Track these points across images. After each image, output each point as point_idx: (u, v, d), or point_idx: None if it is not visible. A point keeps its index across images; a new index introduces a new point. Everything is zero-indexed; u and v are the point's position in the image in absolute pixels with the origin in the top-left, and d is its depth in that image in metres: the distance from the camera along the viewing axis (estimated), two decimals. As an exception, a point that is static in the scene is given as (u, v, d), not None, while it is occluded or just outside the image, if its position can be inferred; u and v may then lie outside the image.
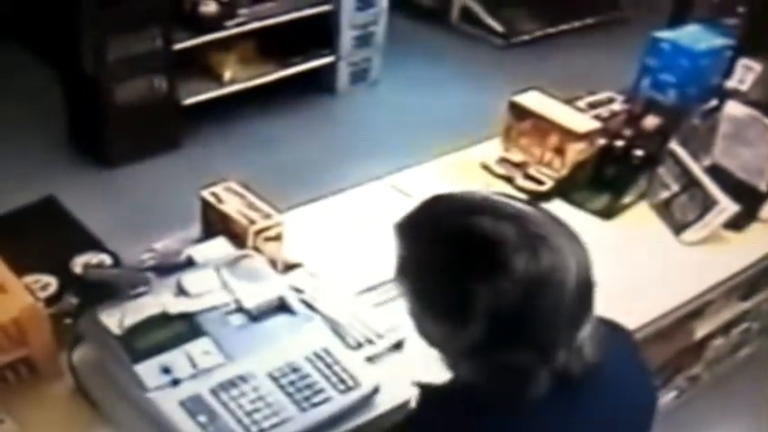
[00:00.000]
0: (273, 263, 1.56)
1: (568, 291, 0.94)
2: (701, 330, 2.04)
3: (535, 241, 0.93)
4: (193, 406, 1.28)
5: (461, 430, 1.01)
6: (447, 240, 0.97)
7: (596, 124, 2.03)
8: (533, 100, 2.07)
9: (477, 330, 0.95)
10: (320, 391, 1.34)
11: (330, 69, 4.08)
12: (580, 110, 2.12)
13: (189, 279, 1.45)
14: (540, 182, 1.98)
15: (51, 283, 1.48)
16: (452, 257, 0.96)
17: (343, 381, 1.36)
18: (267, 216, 1.61)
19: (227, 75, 3.70)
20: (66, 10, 3.30)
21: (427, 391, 1.07)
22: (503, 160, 2.05)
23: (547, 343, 0.96)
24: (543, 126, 2.01)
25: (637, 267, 1.77)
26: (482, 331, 0.95)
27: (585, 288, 0.97)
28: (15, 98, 3.70)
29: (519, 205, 0.99)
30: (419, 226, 1.02)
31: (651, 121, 2.12)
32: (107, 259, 1.54)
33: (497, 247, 0.93)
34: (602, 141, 2.01)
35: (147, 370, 1.31)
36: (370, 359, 1.46)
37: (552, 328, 0.96)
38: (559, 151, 1.99)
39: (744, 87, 2.25)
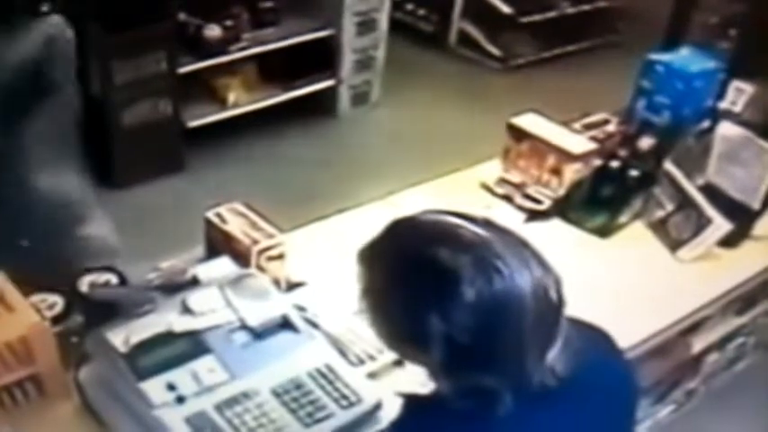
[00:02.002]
0: (276, 282, 1.58)
1: (527, 315, 0.94)
2: (698, 345, 2.05)
3: (489, 268, 0.93)
4: (198, 422, 1.29)
5: None
6: (402, 269, 0.98)
7: (592, 145, 2.06)
8: (531, 122, 2.10)
9: (436, 355, 0.96)
10: (323, 407, 1.35)
11: (331, 92, 4.12)
12: (576, 131, 2.16)
13: (194, 298, 1.47)
14: (538, 201, 2.01)
15: (58, 302, 1.49)
16: (407, 286, 0.97)
17: (345, 396, 1.37)
18: (270, 236, 1.63)
19: (231, 98, 3.74)
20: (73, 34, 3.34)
21: (408, 400, 1.09)
22: (502, 180, 2.08)
23: (510, 366, 0.97)
24: (541, 147, 2.04)
25: (634, 284, 1.79)
26: (441, 356, 0.96)
27: (549, 310, 0.97)
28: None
29: (477, 230, 0.98)
30: (378, 254, 1.03)
31: (646, 142, 2.14)
32: (113, 278, 1.55)
33: (449, 275, 0.93)
34: (598, 162, 2.04)
35: (153, 387, 1.32)
36: (371, 375, 1.48)
37: (513, 353, 0.96)
38: (557, 172, 2.02)
39: (736, 108, 2.28)
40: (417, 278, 0.96)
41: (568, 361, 1.00)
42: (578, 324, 1.07)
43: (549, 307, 0.97)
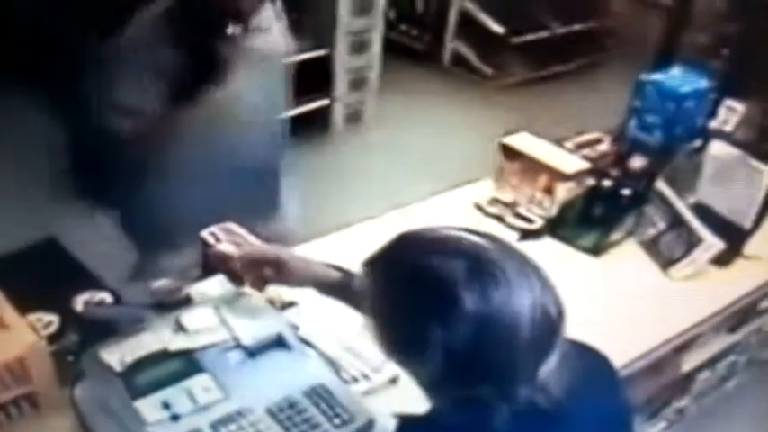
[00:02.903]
0: (271, 300, 1.59)
1: (523, 328, 0.95)
2: (690, 363, 2.06)
3: (487, 279, 0.95)
4: (193, 441, 1.29)
5: None
6: (404, 279, 1.00)
7: (584, 164, 2.08)
8: (523, 141, 2.12)
9: (434, 365, 0.98)
10: (317, 425, 1.35)
11: (325, 111, 4.14)
12: (568, 150, 2.17)
13: (188, 316, 1.48)
14: (530, 221, 2.02)
15: (53, 321, 1.50)
16: (408, 296, 0.99)
17: (338, 415, 1.37)
18: (264, 255, 1.64)
19: (225, 117, 3.76)
20: (69, 55, 3.36)
21: (403, 420, 1.09)
22: (494, 200, 2.09)
23: (504, 379, 0.98)
24: (533, 167, 2.06)
25: (626, 302, 1.80)
26: (438, 366, 0.98)
27: (546, 324, 0.97)
28: (19, 141, 3.74)
29: (477, 242, 0.99)
30: (380, 263, 1.05)
31: (638, 161, 2.16)
32: (108, 297, 1.56)
33: (449, 286, 0.95)
34: (590, 181, 2.06)
35: (148, 406, 1.33)
36: (366, 393, 1.48)
37: (508, 365, 0.97)
38: (549, 191, 2.04)
39: (728, 128, 2.31)
40: (416, 286, 0.98)
41: (562, 380, 1.01)
42: (577, 345, 1.07)
43: (547, 323, 0.97)
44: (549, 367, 0.99)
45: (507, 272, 0.96)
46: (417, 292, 0.98)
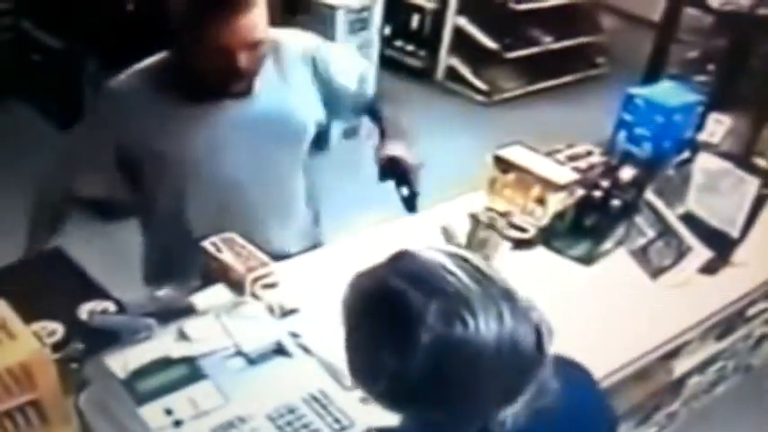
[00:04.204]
0: (271, 309, 1.62)
1: (483, 366, 0.93)
2: (679, 369, 2.07)
3: (454, 318, 0.92)
4: (195, 446, 1.32)
5: None
6: (373, 298, 0.99)
7: (575, 176, 2.11)
8: (516, 153, 2.15)
9: (381, 388, 0.99)
10: (317, 431, 1.38)
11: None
12: (560, 162, 2.20)
13: (190, 325, 1.51)
14: (523, 230, 2.05)
15: (58, 329, 1.51)
16: (372, 315, 0.99)
17: (338, 421, 1.40)
18: (264, 264, 1.67)
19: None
20: (68, 69, 3.39)
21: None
22: (489, 210, 2.12)
23: (458, 410, 0.97)
24: (526, 178, 2.09)
25: (616, 310, 1.83)
26: (386, 390, 0.99)
27: (515, 363, 0.95)
28: (22, 153, 3.75)
29: (461, 279, 0.95)
30: (361, 280, 1.03)
31: (627, 173, 2.18)
32: (111, 306, 1.57)
33: (412, 316, 0.93)
34: (581, 192, 2.08)
35: (151, 412, 1.36)
36: (364, 400, 1.50)
37: (462, 399, 0.96)
38: (541, 201, 2.06)
39: (715, 140, 2.35)
40: (382, 310, 0.97)
41: (526, 417, 0.98)
42: (563, 365, 1.05)
43: (517, 360, 0.95)
44: (512, 408, 0.97)
45: (479, 312, 0.93)
46: (382, 316, 0.97)
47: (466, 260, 0.98)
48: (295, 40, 1.87)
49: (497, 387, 0.96)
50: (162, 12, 1.66)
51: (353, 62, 2.02)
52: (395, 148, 1.85)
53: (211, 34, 1.57)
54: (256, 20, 1.60)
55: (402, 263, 0.99)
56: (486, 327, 0.92)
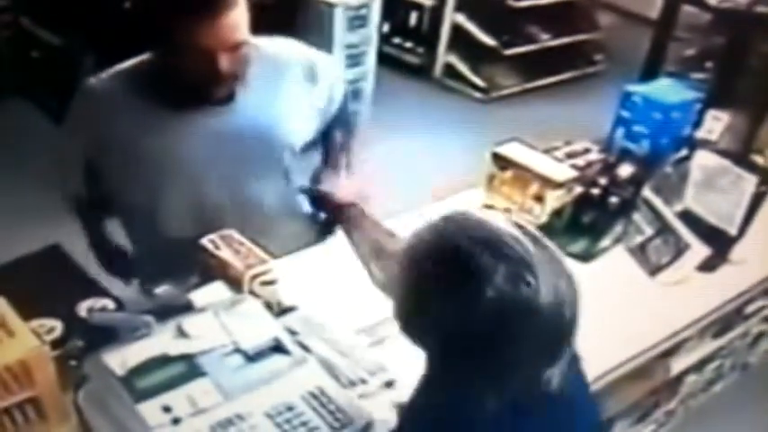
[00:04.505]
0: (269, 306, 1.62)
1: (537, 326, 0.99)
2: (677, 367, 2.08)
3: (520, 281, 0.98)
4: (194, 443, 1.31)
5: None
6: (435, 262, 1.03)
7: (573, 173, 2.11)
8: (514, 151, 2.15)
9: (437, 340, 1.04)
10: (315, 428, 1.38)
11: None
12: (558, 160, 2.21)
13: (189, 322, 1.51)
14: (521, 227, 2.05)
15: (56, 326, 1.51)
16: (438, 274, 1.02)
17: (337, 419, 1.40)
18: (263, 261, 1.67)
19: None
20: (67, 66, 3.39)
21: (402, 409, 1.16)
22: (486, 207, 2.12)
23: (506, 370, 1.02)
24: (524, 175, 2.09)
25: (614, 308, 1.82)
26: (443, 342, 1.04)
27: (562, 326, 1.02)
28: (23, 151, 3.75)
29: (524, 245, 1.01)
30: (417, 245, 1.07)
31: (626, 170, 2.19)
32: (110, 304, 1.58)
33: (481, 276, 0.98)
34: (579, 189, 2.09)
35: (149, 409, 1.35)
36: (362, 397, 1.50)
37: (518, 357, 1.01)
38: (539, 199, 2.06)
39: (713, 137, 2.35)
40: (450, 268, 1.01)
41: (560, 382, 1.04)
42: None
43: (563, 322, 1.02)
44: (557, 368, 1.03)
45: (539, 279, 0.98)
46: (448, 275, 1.01)
47: (521, 226, 1.05)
48: (295, 51, 1.86)
49: (545, 346, 1.02)
50: (146, 14, 1.66)
51: (341, 79, 2.01)
52: (335, 184, 1.81)
53: (191, 35, 1.55)
54: (237, 21, 1.58)
55: (469, 224, 1.05)
56: (545, 289, 0.98)
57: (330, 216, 1.82)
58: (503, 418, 1.04)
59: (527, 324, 0.99)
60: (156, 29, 1.61)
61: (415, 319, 1.08)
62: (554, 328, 1.01)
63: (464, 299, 0.99)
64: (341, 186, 1.78)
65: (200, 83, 1.64)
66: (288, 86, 1.81)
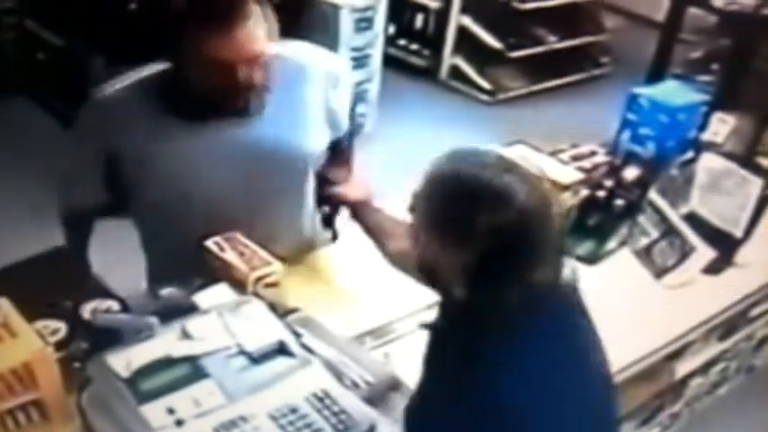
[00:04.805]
0: (273, 308, 1.61)
1: (552, 225, 1.20)
2: (682, 370, 2.08)
3: (531, 189, 1.18)
4: (197, 445, 1.31)
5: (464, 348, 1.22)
6: (463, 185, 1.21)
7: (579, 176, 2.12)
8: (520, 153, 2.15)
9: (474, 252, 1.18)
10: (319, 430, 1.37)
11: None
12: (564, 162, 2.21)
13: (193, 324, 1.50)
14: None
15: (60, 328, 1.51)
16: (465, 197, 1.20)
17: (341, 420, 1.39)
18: (267, 263, 1.67)
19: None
20: (72, 68, 3.40)
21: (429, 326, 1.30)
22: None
23: (527, 264, 1.19)
24: (529, 177, 2.09)
25: (620, 310, 1.80)
26: (478, 253, 1.18)
27: (555, 232, 1.22)
28: (27, 152, 3.77)
29: (520, 162, 1.25)
30: (442, 175, 1.26)
31: (631, 173, 2.19)
32: (114, 305, 1.58)
33: (501, 192, 1.17)
34: (585, 192, 2.09)
35: (153, 411, 1.35)
36: (367, 399, 1.50)
37: (540, 251, 1.19)
38: (545, 201, 2.07)
39: (719, 139, 2.35)
40: (474, 191, 1.19)
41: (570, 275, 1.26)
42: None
43: (561, 227, 1.25)
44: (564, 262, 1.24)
45: (551, 198, 1.22)
46: (473, 196, 1.19)
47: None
48: (316, 57, 1.84)
49: (555, 246, 1.23)
50: (161, 25, 1.65)
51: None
52: (343, 182, 1.88)
53: (209, 47, 1.55)
54: (253, 32, 1.57)
55: (489, 158, 1.24)
56: (554, 203, 1.23)
57: (334, 210, 1.93)
58: (516, 318, 1.19)
59: (546, 228, 1.19)
60: (172, 41, 1.60)
61: (443, 257, 1.22)
62: (548, 235, 1.20)
63: (492, 215, 1.16)
64: (349, 185, 1.86)
65: (220, 95, 1.63)
66: (310, 94, 1.79)
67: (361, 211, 1.84)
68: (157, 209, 1.77)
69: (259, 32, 1.58)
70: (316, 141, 1.82)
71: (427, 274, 1.31)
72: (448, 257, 1.23)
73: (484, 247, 1.18)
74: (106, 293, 1.60)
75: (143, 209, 1.81)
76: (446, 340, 1.28)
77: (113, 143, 1.71)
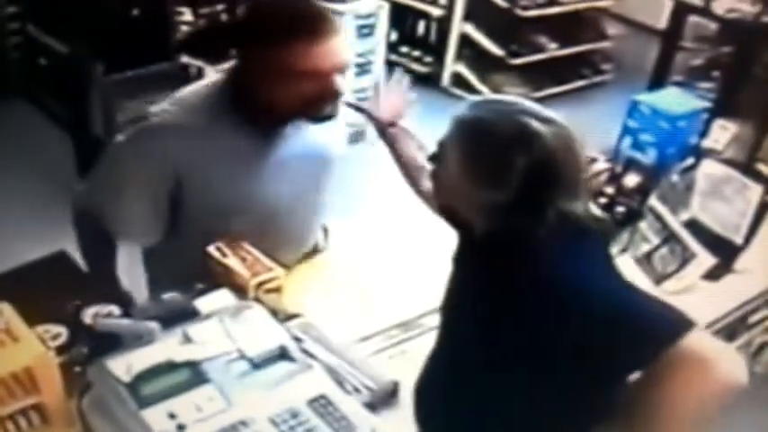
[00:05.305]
0: (274, 313, 1.62)
1: (577, 162, 1.33)
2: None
3: (557, 130, 1.30)
4: (198, 450, 1.32)
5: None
6: (498, 127, 1.32)
7: (580, 182, 2.11)
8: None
9: (510, 188, 1.29)
10: (319, 435, 1.39)
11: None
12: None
13: (194, 329, 1.50)
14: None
15: (62, 332, 1.52)
16: (501, 139, 1.31)
17: (341, 426, 1.39)
18: (268, 269, 1.68)
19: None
20: (74, 73, 3.41)
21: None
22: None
23: (556, 197, 1.30)
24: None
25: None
26: (514, 188, 1.29)
27: (579, 166, 1.35)
28: (29, 156, 3.78)
29: (541, 109, 1.35)
30: (474, 120, 1.37)
31: (632, 180, 2.21)
32: (116, 310, 1.58)
33: (533, 132, 1.29)
34: (585, 198, 2.10)
35: (154, 416, 1.35)
36: (367, 405, 1.50)
37: (563, 185, 1.30)
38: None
39: (719, 146, 2.36)
40: (509, 132, 1.30)
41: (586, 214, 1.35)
42: None
43: (578, 165, 1.34)
44: (577, 205, 1.32)
45: (574, 137, 1.33)
46: (507, 137, 1.30)
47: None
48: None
49: (570, 183, 1.32)
50: (238, 39, 1.68)
51: None
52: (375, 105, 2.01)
53: (307, 59, 1.59)
54: (344, 42, 1.64)
55: (515, 103, 1.36)
56: (577, 141, 1.33)
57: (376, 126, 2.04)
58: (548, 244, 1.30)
59: (570, 164, 1.31)
60: (254, 56, 1.63)
61: (474, 196, 1.34)
62: (572, 170, 1.31)
63: (529, 145, 1.28)
64: (381, 107, 1.99)
65: (314, 105, 1.67)
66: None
67: (389, 133, 1.97)
68: (207, 225, 1.74)
69: (348, 42, 1.65)
70: (342, 142, 1.95)
71: (449, 215, 1.45)
72: (479, 196, 1.33)
73: (517, 185, 1.28)
74: (108, 298, 1.60)
75: (190, 227, 1.78)
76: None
77: (183, 168, 1.69)
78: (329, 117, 1.72)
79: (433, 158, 1.43)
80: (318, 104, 1.67)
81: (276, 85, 1.63)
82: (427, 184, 1.75)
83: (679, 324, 1.27)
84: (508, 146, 1.29)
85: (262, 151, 1.74)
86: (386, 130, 1.98)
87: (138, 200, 1.72)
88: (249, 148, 1.72)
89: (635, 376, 1.32)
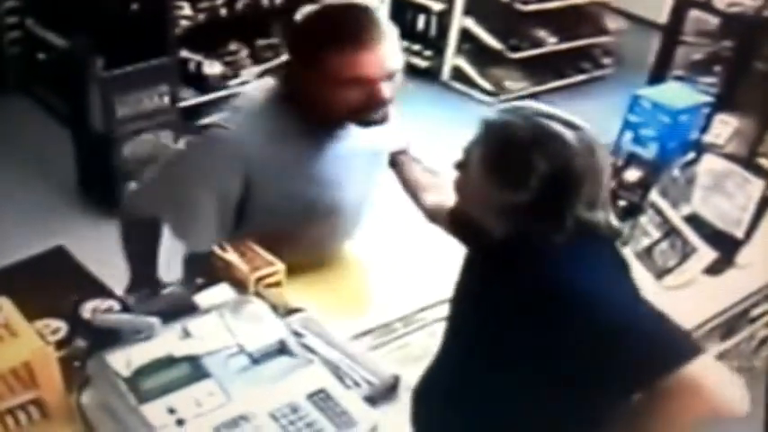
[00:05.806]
0: (274, 307, 1.61)
1: (599, 168, 1.34)
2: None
3: (582, 136, 1.32)
4: (198, 445, 1.31)
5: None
6: (523, 131, 1.34)
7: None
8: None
9: (531, 190, 1.31)
10: (320, 430, 1.37)
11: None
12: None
13: (194, 323, 1.50)
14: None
15: (61, 327, 1.51)
16: (526, 142, 1.32)
17: (342, 420, 1.39)
18: (269, 264, 1.68)
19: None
20: (73, 68, 3.41)
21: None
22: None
23: (575, 203, 1.32)
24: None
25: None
26: (535, 189, 1.31)
27: (600, 175, 1.36)
28: (28, 151, 3.77)
29: (568, 116, 1.38)
30: (501, 124, 1.39)
31: (633, 174, 2.20)
32: (115, 305, 1.58)
33: (556, 136, 1.31)
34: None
35: (153, 410, 1.35)
36: (367, 399, 1.50)
37: (582, 191, 1.32)
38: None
39: (720, 141, 2.35)
40: (534, 136, 1.32)
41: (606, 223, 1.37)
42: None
43: (599, 173, 1.35)
44: (597, 215, 1.34)
45: (597, 145, 1.35)
46: (532, 141, 1.32)
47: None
48: None
49: (591, 191, 1.33)
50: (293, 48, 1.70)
51: None
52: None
53: (355, 65, 1.59)
54: (392, 50, 1.64)
55: (539, 109, 1.38)
56: (599, 148, 1.36)
57: None
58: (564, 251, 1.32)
59: (594, 172, 1.32)
60: (308, 62, 1.63)
61: (513, 182, 1.33)
62: (594, 177, 1.33)
63: (552, 149, 1.30)
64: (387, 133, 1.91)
65: (361, 111, 1.67)
66: None
67: (397, 161, 1.98)
68: (272, 226, 1.76)
69: (397, 49, 1.66)
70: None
71: (463, 222, 1.46)
72: (500, 198, 1.35)
73: (538, 188, 1.30)
74: (107, 293, 1.60)
75: (254, 229, 1.78)
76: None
77: (254, 175, 1.70)
78: (378, 122, 1.71)
79: (460, 165, 1.46)
80: (365, 111, 1.68)
81: (324, 92, 1.64)
82: (431, 199, 1.84)
83: (686, 349, 1.27)
84: (530, 147, 1.31)
85: (324, 150, 1.75)
86: (394, 158, 1.99)
87: (210, 211, 1.72)
88: (311, 149, 1.74)
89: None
